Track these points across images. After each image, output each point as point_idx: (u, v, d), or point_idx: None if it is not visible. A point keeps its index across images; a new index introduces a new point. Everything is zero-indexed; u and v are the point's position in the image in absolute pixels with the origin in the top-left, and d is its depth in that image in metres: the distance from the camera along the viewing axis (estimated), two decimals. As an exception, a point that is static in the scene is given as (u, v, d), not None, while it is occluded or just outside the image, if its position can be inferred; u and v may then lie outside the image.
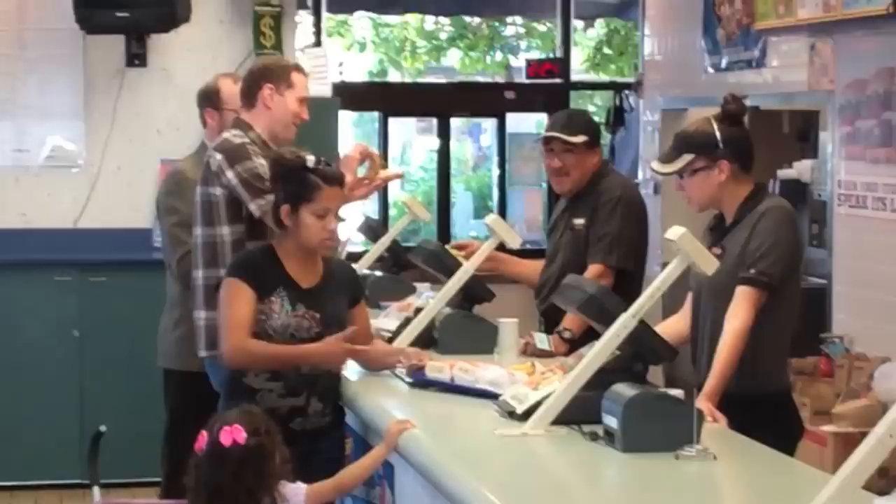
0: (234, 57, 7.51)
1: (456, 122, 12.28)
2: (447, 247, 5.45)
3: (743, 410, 3.88)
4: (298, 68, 4.93)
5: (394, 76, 12.53)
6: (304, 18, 9.26)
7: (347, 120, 11.81)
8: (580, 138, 5.04)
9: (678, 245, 3.58)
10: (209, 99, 5.49)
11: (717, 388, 3.85)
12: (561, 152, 5.07)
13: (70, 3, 7.05)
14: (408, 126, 12.29)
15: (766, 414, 3.99)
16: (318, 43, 8.92)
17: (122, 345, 6.91)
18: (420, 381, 4.14)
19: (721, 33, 7.48)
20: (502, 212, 9.49)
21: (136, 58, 7.36)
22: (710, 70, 7.60)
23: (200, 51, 7.49)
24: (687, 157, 4.08)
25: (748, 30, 6.98)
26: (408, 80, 12.24)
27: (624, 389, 3.43)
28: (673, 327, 4.22)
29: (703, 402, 3.76)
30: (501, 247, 5.00)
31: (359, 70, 12.33)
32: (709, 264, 3.61)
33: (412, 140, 12.58)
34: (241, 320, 4.04)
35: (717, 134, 4.07)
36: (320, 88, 7.16)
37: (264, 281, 4.09)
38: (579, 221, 5.07)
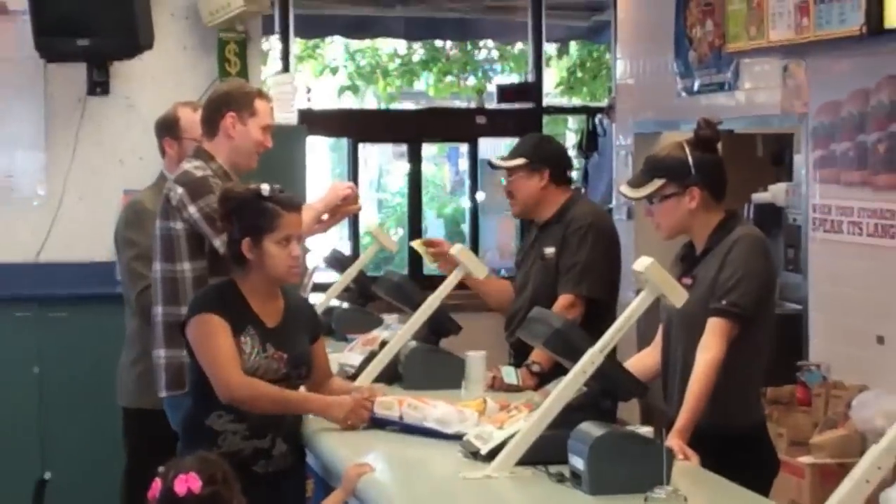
0: (198, 84, 7.35)
1: (433, 148, 12.21)
2: (416, 243, 5.33)
3: (716, 446, 3.75)
4: (262, 94, 4.80)
5: (367, 100, 12.43)
6: (274, 45, 9.14)
7: (324, 146, 11.73)
8: (515, 161, 5.00)
9: (646, 276, 3.46)
10: (168, 128, 5.37)
11: (689, 424, 3.71)
12: (507, 176, 5.05)
13: (29, 31, 6.89)
14: (384, 151, 12.20)
15: (741, 450, 3.86)
16: (286, 69, 8.78)
17: (83, 382, 6.72)
18: (375, 419, 4.00)
19: (693, 56, 7.38)
20: (475, 238, 9.36)
21: (98, 86, 7.19)
22: (683, 93, 7.50)
23: (164, 78, 7.33)
24: (657, 183, 3.96)
25: (720, 52, 6.88)
26: (380, 105, 12.15)
27: (591, 428, 3.29)
28: (644, 361, 4.09)
29: (673, 440, 3.63)
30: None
31: (330, 94, 12.23)
32: (678, 296, 3.49)
33: (388, 166, 12.48)
34: (233, 354, 3.90)
35: (689, 160, 3.95)
36: (287, 116, 7.02)
37: (234, 318, 3.96)
38: (549, 250, 4.96)
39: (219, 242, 4.40)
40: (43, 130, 7.28)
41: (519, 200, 5.06)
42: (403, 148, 9.75)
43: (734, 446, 3.85)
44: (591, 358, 3.42)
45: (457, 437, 3.75)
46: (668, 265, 4.03)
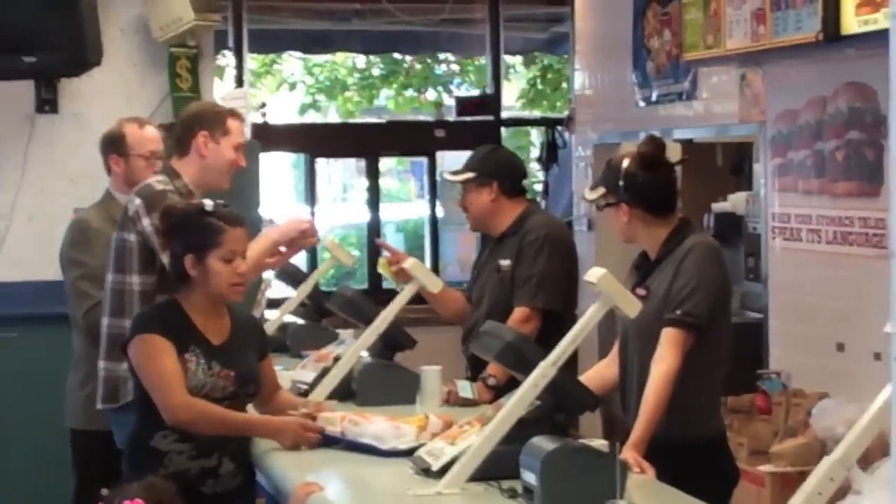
0: (149, 100, 7.25)
1: (392, 162, 12.12)
2: (380, 266, 5.24)
3: (674, 458, 3.68)
4: (234, 114, 4.77)
5: (329, 116, 12.33)
6: (231, 60, 9.04)
7: (285, 162, 11.63)
8: (464, 175, 4.95)
9: (599, 287, 3.39)
10: (113, 145, 5.27)
11: (644, 437, 3.64)
12: (461, 190, 5.00)
13: (-26, 49, 6.77)
14: (348, 166, 12.11)
15: (699, 461, 3.80)
16: (240, 84, 8.68)
17: (33, 403, 6.60)
18: (325, 437, 3.90)
19: (651, 66, 7.32)
20: (435, 252, 9.27)
21: (47, 104, 7.09)
22: (641, 103, 7.44)
23: (114, 95, 7.23)
24: (600, 190, 3.91)
25: (678, 62, 6.82)
26: (337, 120, 12.05)
27: (543, 443, 3.20)
28: (603, 372, 4.02)
29: (629, 452, 3.56)
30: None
31: (290, 110, 12.13)
32: (631, 307, 3.42)
33: (351, 181, 12.40)
34: (178, 375, 3.81)
35: (621, 176, 3.88)
36: (240, 131, 6.92)
37: (178, 338, 3.87)
38: (505, 263, 4.88)
39: (166, 257, 4.33)
40: (-10, 150, 7.17)
41: (472, 214, 5.00)
42: (364, 163, 9.66)
43: (693, 457, 3.79)
44: (543, 371, 3.34)
45: (399, 454, 3.68)
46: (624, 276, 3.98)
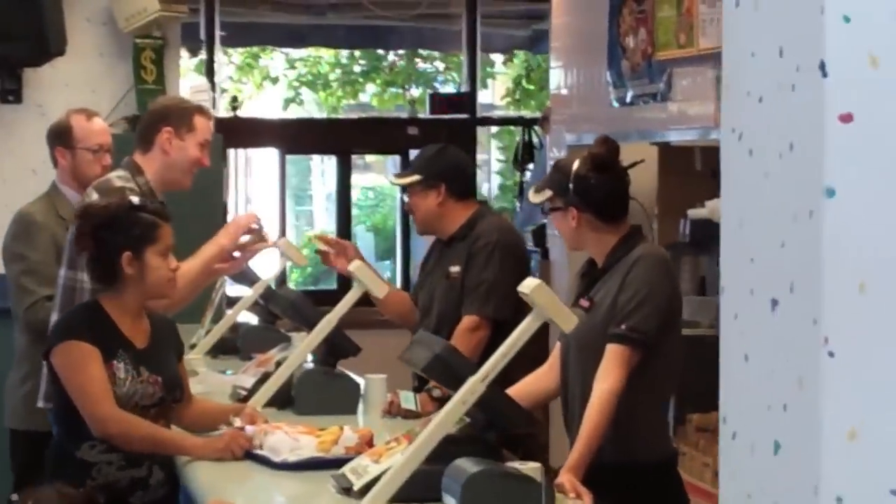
0: (115, 92, 7.09)
1: (371, 158, 11.94)
2: (312, 238, 5.10)
3: (617, 483, 3.51)
4: (202, 111, 4.63)
5: (312, 111, 12.16)
6: (217, 56, 8.88)
7: (272, 160, 11.47)
8: (408, 178, 4.77)
9: (531, 299, 3.21)
10: (60, 137, 5.13)
11: (583, 459, 3.44)
12: (408, 194, 4.83)
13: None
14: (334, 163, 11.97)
15: (646, 486, 3.61)
16: (210, 78, 8.51)
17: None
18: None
19: (626, 65, 7.13)
20: (406, 254, 9.09)
21: (10, 94, 6.93)
22: (616, 104, 7.26)
23: (79, 86, 7.07)
24: (547, 193, 3.72)
25: (652, 61, 6.65)
26: (313, 115, 11.87)
27: (466, 465, 3.03)
28: (537, 384, 3.81)
29: (565, 476, 3.38)
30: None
31: (274, 105, 11.97)
32: (566, 321, 3.23)
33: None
34: (105, 385, 3.65)
35: (571, 178, 3.69)
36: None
37: (104, 344, 3.71)
38: (454, 269, 4.69)
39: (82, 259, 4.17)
40: (-49, 140, 7.01)
41: (418, 219, 4.80)
42: (360, 160, 9.48)
43: (639, 482, 3.61)
44: (472, 387, 3.15)
45: (288, 467, 3.54)
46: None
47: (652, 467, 3.68)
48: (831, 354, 1.52)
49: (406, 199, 4.85)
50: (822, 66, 1.52)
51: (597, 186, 3.67)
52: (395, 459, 3.25)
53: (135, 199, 3.83)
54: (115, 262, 3.75)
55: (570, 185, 3.67)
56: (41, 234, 4.90)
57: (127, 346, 3.75)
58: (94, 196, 4.33)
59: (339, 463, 3.44)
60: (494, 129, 12.09)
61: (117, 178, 4.41)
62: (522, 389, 3.70)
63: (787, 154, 1.59)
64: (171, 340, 3.93)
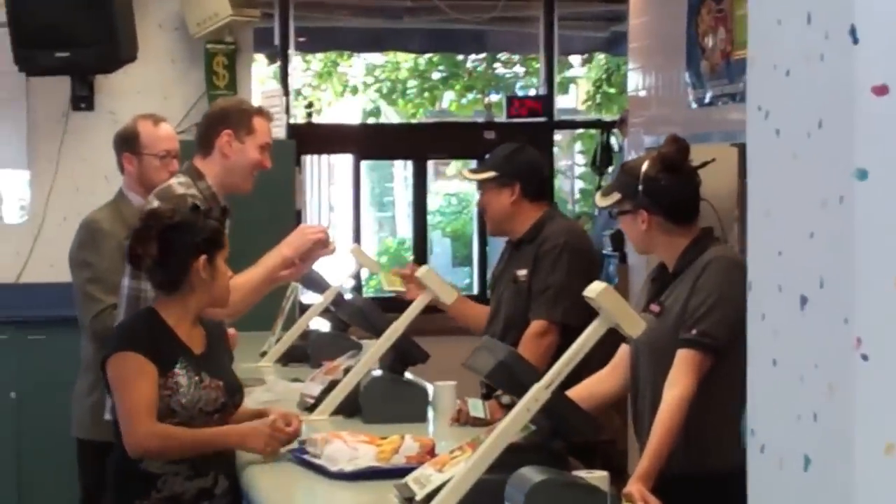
0: (187, 98, 7.08)
1: (455, 165, 11.85)
2: (388, 273, 5.03)
3: (687, 494, 3.39)
4: (262, 112, 4.56)
5: (390, 118, 12.12)
6: (295, 61, 8.85)
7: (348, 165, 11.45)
8: (484, 174, 4.67)
9: (598, 303, 3.09)
10: (127, 143, 5.09)
11: (653, 469, 3.32)
12: (481, 191, 4.73)
13: (9, 44, 6.62)
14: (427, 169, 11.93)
15: (715, 498, 3.45)
16: (284, 83, 8.47)
17: (62, 407, 6.43)
18: (298, 458, 3.66)
19: (705, 65, 6.97)
20: (482, 259, 8.97)
21: (82, 101, 6.91)
22: (694, 105, 7.10)
23: (151, 92, 7.06)
24: (615, 196, 3.59)
25: (731, 61, 6.49)
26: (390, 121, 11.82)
27: (530, 474, 2.92)
28: (592, 389, 3.66)
29: (634, 486, 3.26)
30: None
31: (354, 113, 11.94)
32: (634, 326, 3.10)
33: (430, 185, 12.19)
34: (149, 402, 3.56)
35: (640, 180, 3.56)
36: (274, 130, 6.69)
37: (163, 352, 3.63)
38: (522, 272, 4.58)
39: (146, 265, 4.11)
40: (25, 147, 7.02)
41: (490, 217, 4.71)
42: (443, 165, 9.39)
43: (708, 493, 3.48)
44: (536, 395, 3.05)
45: (346, 477, 3.45)
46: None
47: (722, 478, 3.53)
48: (865, 358, 1.35)
49: (480, 196, 4.74)
50: (853, 32, 1.35)
51: (666, 188, 3.55)
52: (459, 468, 3.15)
53: (200, 204, 3.79)
54: (186, 267, 3.67)
55: (640, 187, 3.54)
56: (107, 242, 4.85)
57: (186, 353, 3.68)
58: (156, 203, 4.27)
59: (398, 473, 3.34)
60: (576, 132, 11.95)
61: (179, 184, 4.35)
62: (583, 392, 3.55)
63: (816, 132, 1.42)
64: (223, 345, 3.87)
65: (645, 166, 3.56)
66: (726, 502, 3.44)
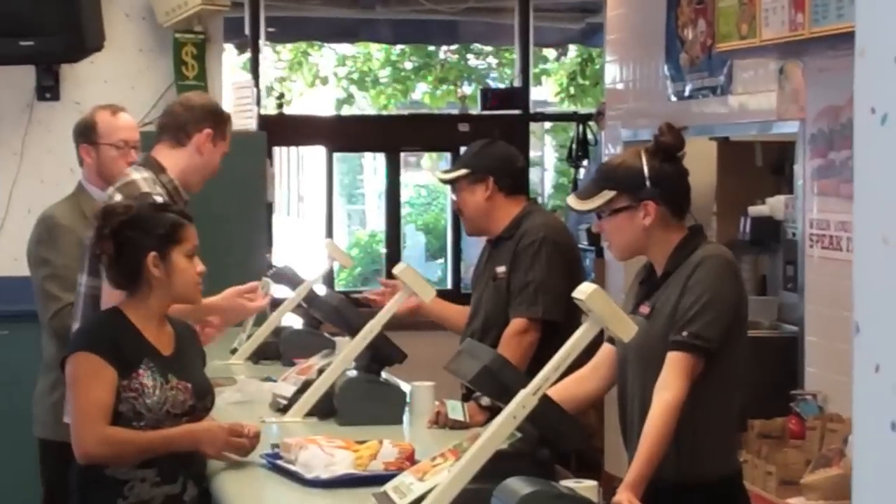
0: (155, 88, 6.90)
1: (424, 156, 11.74)
2: (366, 294, 4.90)
3: (679, 500, 3.26)
4: (230, 122, 4.46)
5: (363, 109, 11.97)
6: (265, 51, 8.69)
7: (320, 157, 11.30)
8: (456, 173, 4.55)
9: (588, 306, 2.95)
10: (84, 134, 4.92)
11: (642, 475, 3.18)
12: (455, 191, 4.60)
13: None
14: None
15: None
16: (255, 74, 8.30)
17: (23, 403, 6.26)
18: (271, 464, 3.52)
19: (684, 58, 6.86)
20: (457, 254, 8.84)
21: (48, 91, 6.74)
22: (673, 98, 6.98)
23: (118, 82, 6.88)
24: (608, 194, 3.43)
25: (712, 53, 6.37)
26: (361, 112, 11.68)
27: (517, 485, 2.77)
28: (571, 389, 3.47)
29: (623, 494, 3.12)
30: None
31: (326, 103, 11.77)
32: (625, 329, 2.98)
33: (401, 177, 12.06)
34: (100, 406, 3.42)
35: (645, 169, 3.42)
36: (245, 122, 6.55)
37: (127, 353, 3.49)
38: (501, 269, 4.43)
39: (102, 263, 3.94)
40: (-13, 138, 6.84)
41: (467, 216, 4.57)
42: (415, 157, 9.26)
43: (701, 500, 3.35)
44: (523, 401, 2.91)
45: (320, 484, 3.32)
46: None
47: (715, 483, 3.42)
48: None
49: (454, 198, 4.60)
50: None
51: (673, 175, 3.43)
52: (442, 477, 3.01)
53: (159, 198, 3.64)
54: (139, 264, 3.53)
55: (647, 177, 3.39)
56: (65, 237, 4.68)
57: (153, 354, 3.54)
58: (118, 198, 4.11)
59: (376, 480, 3.20)
60: (549, 125, 11.83)
61: (143, 179, 4.19)
62: (564, 393, 3.38)
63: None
64: (194, 347, 3.73)
65: (646, 157, 3.42)
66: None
